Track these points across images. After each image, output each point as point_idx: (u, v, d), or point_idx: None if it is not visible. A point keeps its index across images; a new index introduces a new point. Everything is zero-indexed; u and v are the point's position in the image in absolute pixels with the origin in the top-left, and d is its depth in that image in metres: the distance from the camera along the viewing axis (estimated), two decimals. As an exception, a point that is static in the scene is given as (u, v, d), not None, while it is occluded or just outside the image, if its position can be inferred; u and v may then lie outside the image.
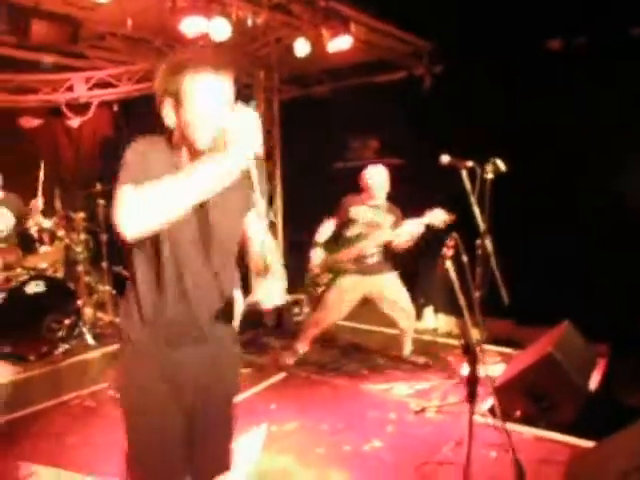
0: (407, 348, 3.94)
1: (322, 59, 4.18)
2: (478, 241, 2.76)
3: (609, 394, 3.42)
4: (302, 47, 4.05)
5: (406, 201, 4.07)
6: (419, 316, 4.92)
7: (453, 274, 1.86)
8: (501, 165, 2.47)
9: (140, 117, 5.46)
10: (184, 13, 3.26)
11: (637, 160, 3.72)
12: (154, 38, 4.11)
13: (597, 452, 2.47)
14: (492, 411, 3.03)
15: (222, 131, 1.30)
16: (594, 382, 3.38)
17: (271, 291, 1.36)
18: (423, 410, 3.11)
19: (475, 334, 2.79)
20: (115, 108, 5.14)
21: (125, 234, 1.24)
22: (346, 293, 3.69)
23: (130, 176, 1.34)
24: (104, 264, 4.41)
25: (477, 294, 2.84)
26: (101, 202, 4.31)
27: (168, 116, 1.41)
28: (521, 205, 4.17)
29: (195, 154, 1.42)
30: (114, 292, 4.41)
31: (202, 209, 1.44)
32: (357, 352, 4.16)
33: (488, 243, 2.68)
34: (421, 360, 3.89)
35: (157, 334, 1.46)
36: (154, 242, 1.41)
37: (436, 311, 5.13)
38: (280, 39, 4.21)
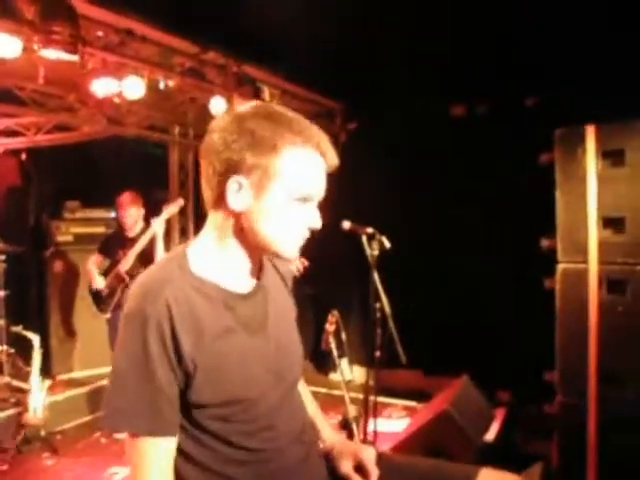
0: None
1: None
2: (377, 304, 2.88)
3: (508, 443, 3.60)
4: (218, 105, 4.15)
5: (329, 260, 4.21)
6: (334, 368, 4.99)
7: (334, 349, 1.96)
8: (386, 243, 2.63)
9: (51, 167, 5.35)
10: (95, 75, 3.27)
11: (533, 220, 4.03)
12: (66, 94, 4.07)
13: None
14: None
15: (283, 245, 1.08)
16: (492, 433, 3.56)
17: None
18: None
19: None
20: (23, 157, 4.98)
21: None
22: None
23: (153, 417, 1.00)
24: (1, 322, 4.18)
25: (377, 354, 2.94)
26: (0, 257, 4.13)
27: (236, 199, 1.04)
28: (424, 259, 4.41)
29: (257, 261, 1.14)
30: (12, 351, 4.17)
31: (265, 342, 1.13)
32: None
33: (386, 305, 2.81)
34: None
35: None
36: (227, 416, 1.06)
37: (351, 362, 5.22)
38: (195, 99, 4.30)
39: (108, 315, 3.99)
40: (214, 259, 1.10)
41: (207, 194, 1.10)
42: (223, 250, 1.10)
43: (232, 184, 1.04)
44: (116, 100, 3.84)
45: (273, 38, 3.58)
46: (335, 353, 1.97)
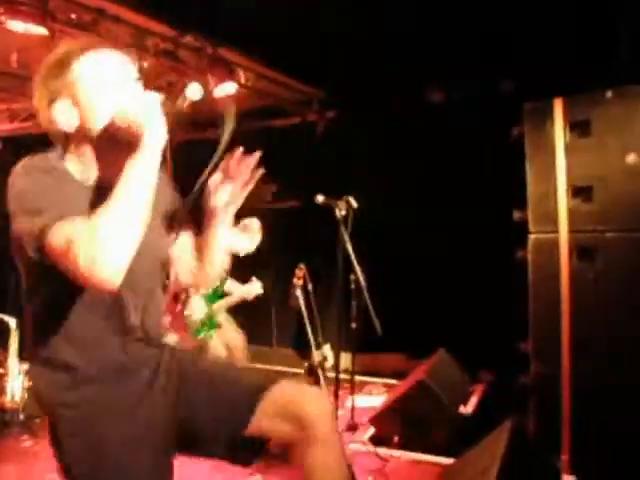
0: None
1: (215, 103, 4.29)
2: (352, 276, 2.92)
3: (486, 415, 3.64)
4: (195, 91, 4.13)
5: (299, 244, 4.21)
6: (317, 348, 5.02)
7: (302, 302, 1.98)
8: (353, 202, 2.66)
9: (29, 155, 5.27)
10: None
11: (505, 194, 4.07)
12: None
13: (463, 462, 2.61)
14: (372, 439, 3.15)
15: (130, 115, 1.20)
16: (470, 406, 3.60)
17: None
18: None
19: (348, 364, 2.93)
20: (0, 146, 4.94)
21: (109, 282, 1.07)
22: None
23: (53, 209, 1.11)
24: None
25: (353, 325, 2.98)
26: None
27: (65, 120, 1.24)
28: (398, 239, 4.45)
29: (100, 151, 1.27)
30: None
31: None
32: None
33: (361, 277, 2.84)
34: None
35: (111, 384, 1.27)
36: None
37: (333, 347, 5.23)
38: (172, 83, 4.29)
39: None
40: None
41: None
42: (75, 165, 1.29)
43: (56, 112, 1.23)
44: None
45: (251, 21, 3.57)
46: (303, 309, 1.99)
